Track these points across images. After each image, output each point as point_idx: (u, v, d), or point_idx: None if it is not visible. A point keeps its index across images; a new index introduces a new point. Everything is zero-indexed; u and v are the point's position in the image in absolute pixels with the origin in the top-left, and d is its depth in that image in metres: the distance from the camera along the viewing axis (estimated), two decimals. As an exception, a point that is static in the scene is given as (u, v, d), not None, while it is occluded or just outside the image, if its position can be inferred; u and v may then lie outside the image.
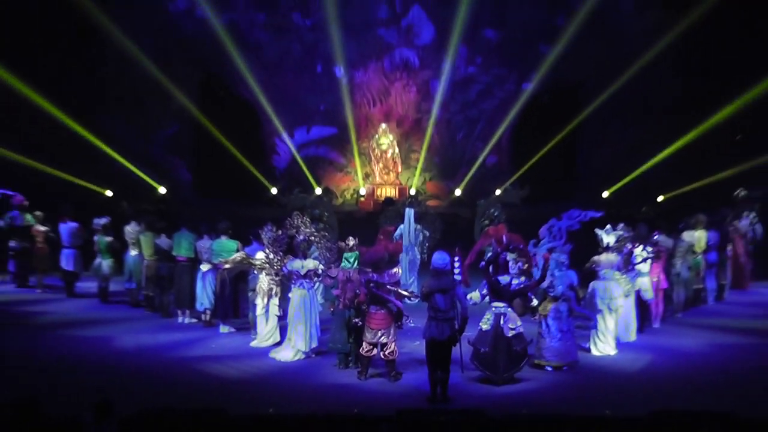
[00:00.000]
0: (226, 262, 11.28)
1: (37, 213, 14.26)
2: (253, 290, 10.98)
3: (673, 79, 17.48)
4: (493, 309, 9.28)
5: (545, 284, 9.96)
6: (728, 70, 15.82)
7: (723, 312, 12.97)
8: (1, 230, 14.15)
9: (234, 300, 11.84)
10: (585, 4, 17.30)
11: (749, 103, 15.29)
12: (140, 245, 12.77)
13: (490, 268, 9.51)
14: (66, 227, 13.72)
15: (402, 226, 13.50)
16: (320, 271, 10.21)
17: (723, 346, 10.85)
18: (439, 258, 8.86)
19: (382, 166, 19.15)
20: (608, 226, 10.98)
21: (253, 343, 10.82)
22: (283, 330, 10.65)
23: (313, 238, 10.52)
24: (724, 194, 14.80)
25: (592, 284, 10.71)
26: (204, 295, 11.82)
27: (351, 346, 9.68)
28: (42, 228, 14.13)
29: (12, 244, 14.22)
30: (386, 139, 19.17)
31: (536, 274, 10.21)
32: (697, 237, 12.91)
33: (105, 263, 13.32)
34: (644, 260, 11.21)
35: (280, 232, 10.52)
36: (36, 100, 14.94)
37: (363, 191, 18.94)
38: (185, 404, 7.49)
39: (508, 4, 18.56)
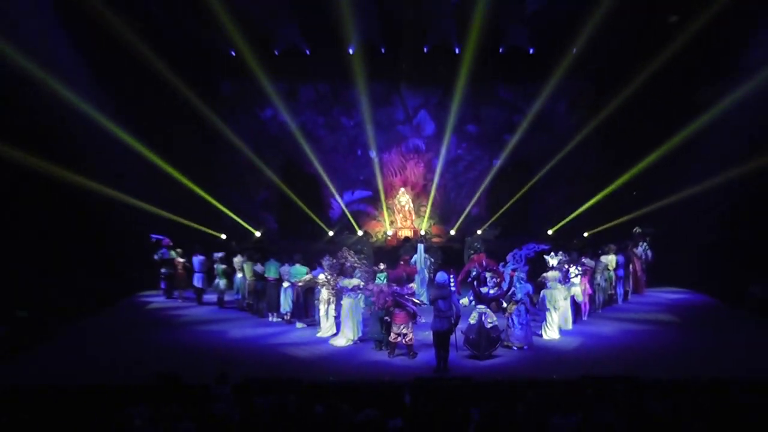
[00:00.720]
0: (300, 281, 11.43)
1: (178, 250, 14.45)
2: (318, 299, 11.07)
3: (592, 155, 17.50)
4: (477, 309, 9.34)
5: (510, 292, 10.02)
6: (627, 150, 15.90)
7: (628, 309, 12.81)
8: (155, 261, 14.38)
9: (305, 306, 11.88)
10: (533, 108, 17.53)
11: (641, 171, 15.44)
12: (244, 270, 12.92)
13: (475, 283, 9.58)
14: (197, 259, 13.91)
15: (416, 255, 13.56)
16: (362, 286, 10.31)
17: (628, 331, 10.84)
18: (440, 276, 8.99)
19: (402, 216, 19.18)
20: (552, 253, 11.02)
21: (319, 334, 10.87)
22: (338, 325, 10.76)
23: (356, 264, 10.66)
24: (626, 231, 14.81)
25: (542, 292, 10.72)
26: (286, 302, 11.90)
27: (383, 335, 9.76)
28: (181, 259, 14.33)
29: (162, 270, 14.41)
30: (404, 198, 19.24)
31: (504, 286, 10.23)
32: (610, 259, 12.83)
33: (222, 282, 13.43)
34: (576, 275, 11.22)
35: (334, 260, 10.69)
36: (176, 176, 15.25)
37: (389, 233, 18.99)
38: (273, 374, 7.63)
39: (482, 109, 18.71)
